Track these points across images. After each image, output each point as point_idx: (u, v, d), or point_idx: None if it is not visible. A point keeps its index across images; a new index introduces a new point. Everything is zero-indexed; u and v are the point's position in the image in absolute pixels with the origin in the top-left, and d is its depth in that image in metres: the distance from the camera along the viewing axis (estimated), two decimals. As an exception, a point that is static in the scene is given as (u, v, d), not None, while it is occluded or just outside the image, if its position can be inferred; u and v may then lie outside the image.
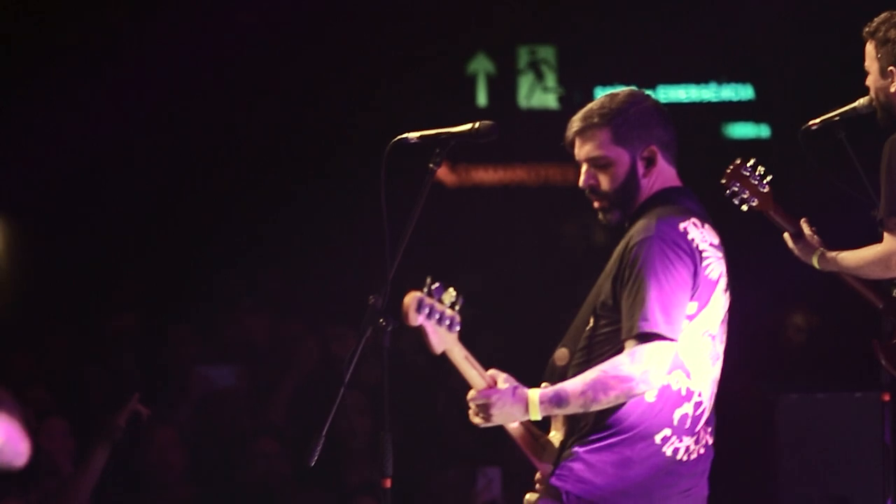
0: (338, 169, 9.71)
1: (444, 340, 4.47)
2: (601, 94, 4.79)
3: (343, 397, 4.50)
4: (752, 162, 6.27)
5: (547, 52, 11.11)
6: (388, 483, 4.51)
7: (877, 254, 5.78)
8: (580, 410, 4.51)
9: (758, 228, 6.37)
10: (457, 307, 4.48)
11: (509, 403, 4.50)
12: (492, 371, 4.56)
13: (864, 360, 6.41)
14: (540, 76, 11.07)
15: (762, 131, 10.95)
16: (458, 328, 4.48)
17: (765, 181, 6.22)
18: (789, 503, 7.15)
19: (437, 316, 4.42)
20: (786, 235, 6.19)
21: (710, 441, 4.68)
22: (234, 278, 9.56)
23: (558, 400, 4.49)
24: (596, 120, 4.69)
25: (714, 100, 10.87)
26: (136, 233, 9.48)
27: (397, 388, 4.68)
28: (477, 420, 4.55)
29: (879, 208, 5.72)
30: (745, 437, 7.23)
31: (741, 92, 10.91)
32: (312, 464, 4.47)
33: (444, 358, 4.54)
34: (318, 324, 9.16)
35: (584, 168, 4.75)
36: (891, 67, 5.78)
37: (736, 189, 6.22)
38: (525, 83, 11.10)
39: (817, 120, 6.16)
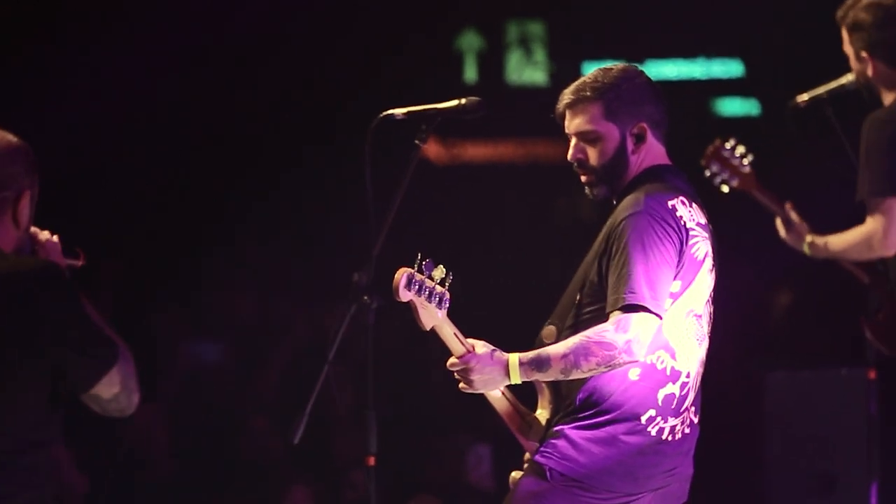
0: (325, 147, 9.67)
1: (433, 317, 4.46)
2: (590, 69, 4.76)
3: (327, 374, 4.49)
4: (731, 142, 6.25)
5: (536, 28, 11.06)
6: (373, 461, 4.51)
7: (859, 235, 5.79)
8: (561, 377, 4.48)
9: (744, 206, 6.36)
10: (447, 284, 4.47)
11: (489, 366, 4.47)
12: (471, 340, 4.54)
13: (850, 336, 6.41)
14: (529, 51, 11.03)
15: (752, 108, 10.91)
16: (447, 305, 4.47)
17: (745, 161, 6.21)
18: (776, 481, 7.16)
19: (426, 292, 4.41)
20: (778, 223, 6.19)
21: (696, 420, 4.66)
22: (221, 255, 9.53)
23: (538, 363, 4.46)
24: (588, 93, 4.66)
25: (703, 76, 10.83)
26: (123, 210, 9.43)
27: (388, 364, 4.68)
28: (461, 386, 4.54)
29: (858, 189, 5.71)
30: (732, 415, 7.24)
31: (731, 68, 10.87)
32: (296, 441, 4.47)
33: (432, 334, 4.53)
34: (305, 301, 9.13)
35: (573, 142, 4.72)
36: (863, 53, 5.77)
37: (716, 170, 6.22)
38: (514, 58, 11.05)
39: (805, 96, 6.15)
